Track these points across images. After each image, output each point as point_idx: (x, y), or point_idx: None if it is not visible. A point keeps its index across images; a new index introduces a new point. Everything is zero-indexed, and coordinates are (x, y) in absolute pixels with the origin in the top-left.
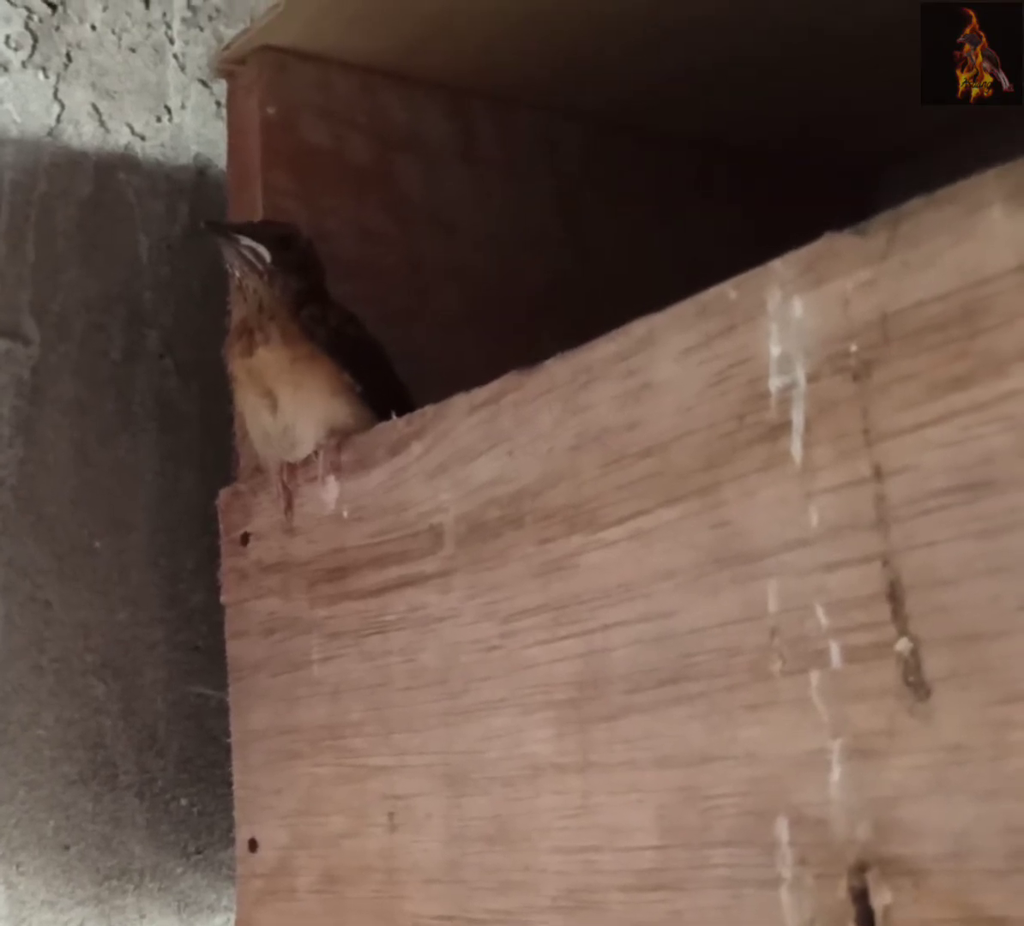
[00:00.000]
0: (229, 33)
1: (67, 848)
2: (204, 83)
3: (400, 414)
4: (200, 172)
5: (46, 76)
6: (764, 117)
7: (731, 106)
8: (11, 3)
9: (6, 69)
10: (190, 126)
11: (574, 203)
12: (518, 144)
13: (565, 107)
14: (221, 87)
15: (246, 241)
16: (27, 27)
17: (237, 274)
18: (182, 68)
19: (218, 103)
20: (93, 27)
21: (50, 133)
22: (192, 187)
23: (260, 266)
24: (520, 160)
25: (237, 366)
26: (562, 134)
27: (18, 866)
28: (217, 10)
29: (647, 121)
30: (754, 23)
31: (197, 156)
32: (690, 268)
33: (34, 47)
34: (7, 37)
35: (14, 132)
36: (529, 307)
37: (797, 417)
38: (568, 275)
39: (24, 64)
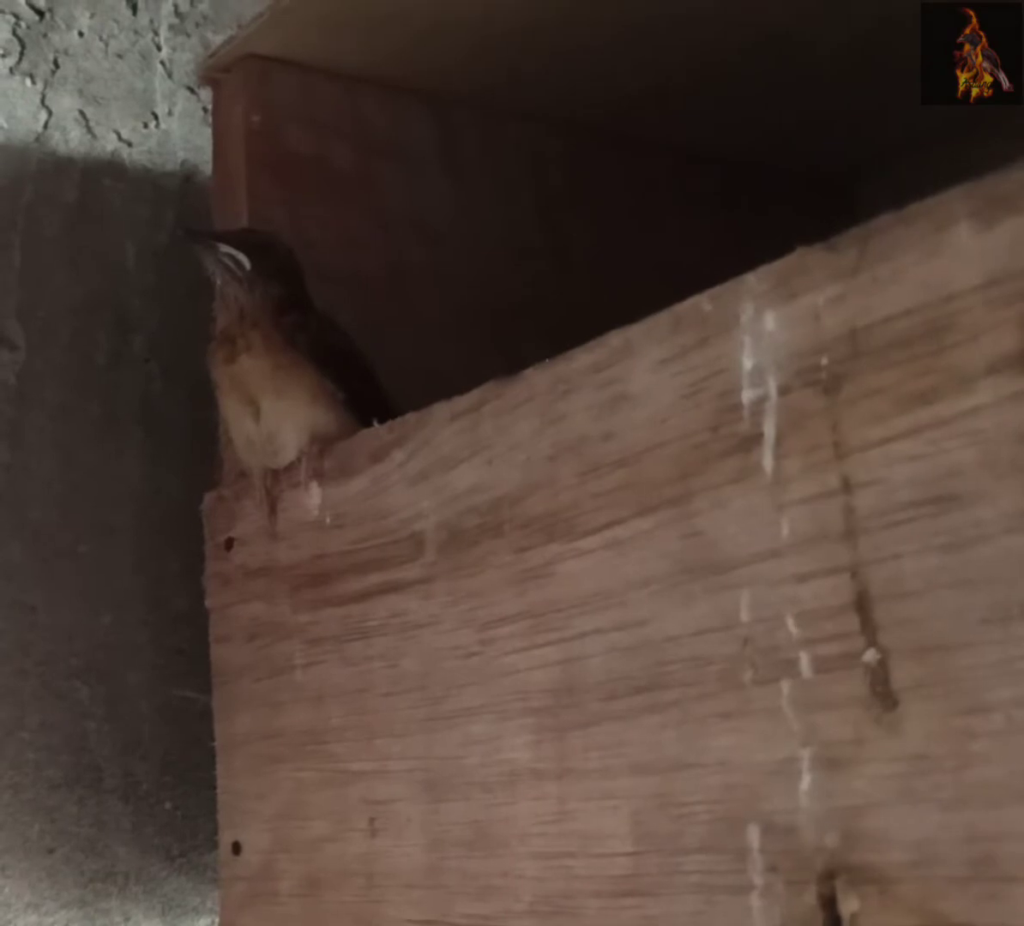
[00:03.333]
0: (216, 40)
1: (51, 851)
2: (191, 90)
3: (383, 421)
4: (186, 178)
5: (33, 82)
6: (749, 126)
7: (715, 115)
8: None
9: None
10: (177, 132)
11: (556, 211)
12: (501, 153)
13: (548, 116)
14: (208, 93)
15: (225, 248)
16: (14, 33)
17: (218, 282)
18: (169, 74)
19: (205, 110)
20: (81, 33)
21: (37, 139)
22: (178, 194)
23: (240, 273)
24: (503, 169)
25: (220, 373)
26: (545, 142)
27: (3, 869)
28: (204, 17)
29: (630, 130)
30: (743, 29)
31: (184, 162)
32: (673, 277)
33: (21, 53)
34: None
35: (1, 139)
36: (511, 316)
37: (768, 429)
38: (550, 284)
39: (12, 70)
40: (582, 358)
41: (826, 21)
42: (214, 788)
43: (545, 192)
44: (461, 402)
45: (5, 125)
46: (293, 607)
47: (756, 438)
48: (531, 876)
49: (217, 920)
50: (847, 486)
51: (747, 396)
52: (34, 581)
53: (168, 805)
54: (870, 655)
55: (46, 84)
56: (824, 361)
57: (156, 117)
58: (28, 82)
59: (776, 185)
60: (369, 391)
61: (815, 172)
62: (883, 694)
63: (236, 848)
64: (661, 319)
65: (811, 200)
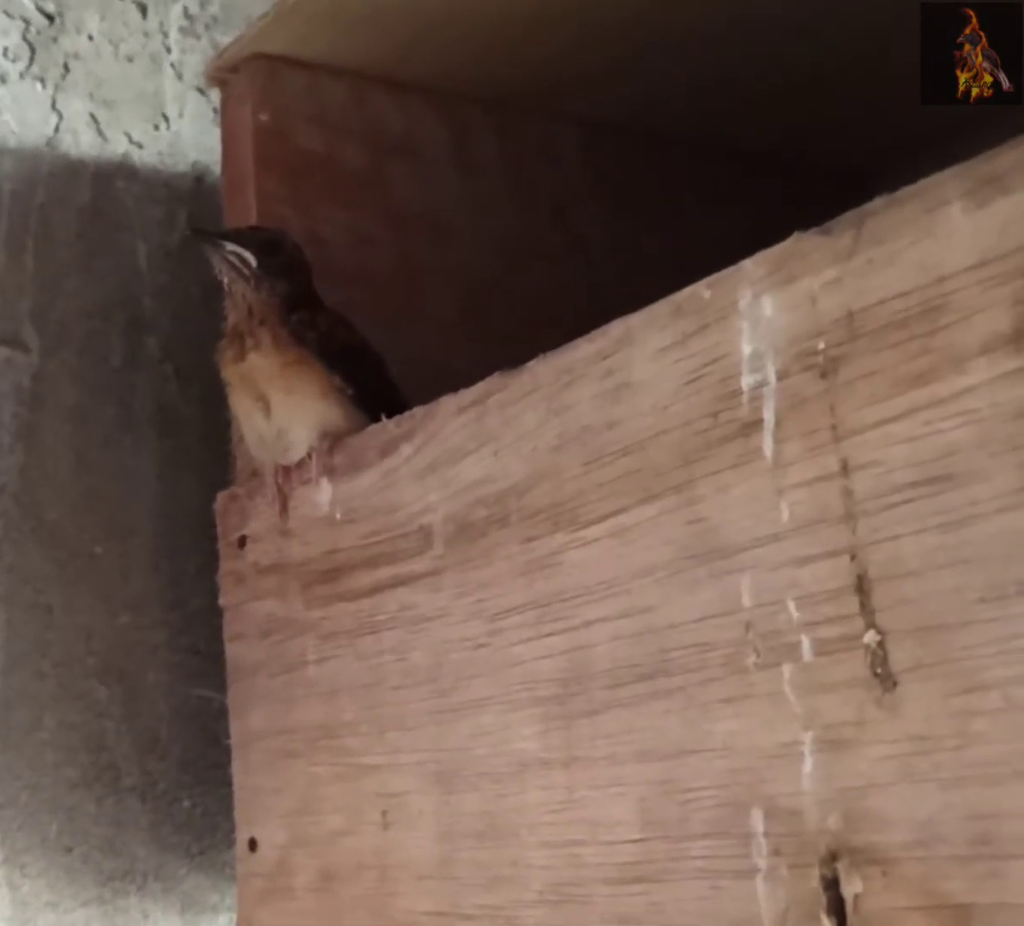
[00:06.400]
0: (226, 42)
1: (70, 850)
2: (201, 91)
3: (392, 416)
4: (197, 179)
5: (44, 86)
6: (763, 118)
7: (729, 107)
8: (8, 15)
9: (4, 80)
10: (187, 134)
11: (571, 206)
12: (514, 148)
13: (561, 110)
14: (218, 95)
15: (231, 247)
16: (25, 38)
17: (225, 280)
18: (179, 77)
19: (215, 111)
20: (90, 37)
21: (48, 143)
22: (190, 194)
23: (247, 271)
24: (516, 164)
25: (230, 371)
26: (558, 137)
27: (22, 868)
28: (214, 19)
29: (644, 124)
30: (752, 24)
31: (195, 164)
32: (690, 272)
33: (32, 58)
34: (5, 49)
35: (13, 142)
36: (526, 312)
37: (768, 414)
38: (565, 279)
39: (22, 75)
40: (584, 348)
41: (845, 14)
42: (231, 786)
43: (561, 187)
44: (467, 395)
45: (16, 129)
46: (305, 603)
47: (756, 423)
48: (540, 865)
49: (236, 917)
50: (845, 468)
51: (746, 381)
52: (51, 582)
53: (186, 803)
54: (870, 636)
55: (57, 88)
56: (821, 345)
57: (167, 119)
58: (39, 86)
59: (795, 179)
60: (379, 386)
61: (834, 166)
62: (883, 675)
63: (252, 844)
64: (661, 307)
65: (830, 194)
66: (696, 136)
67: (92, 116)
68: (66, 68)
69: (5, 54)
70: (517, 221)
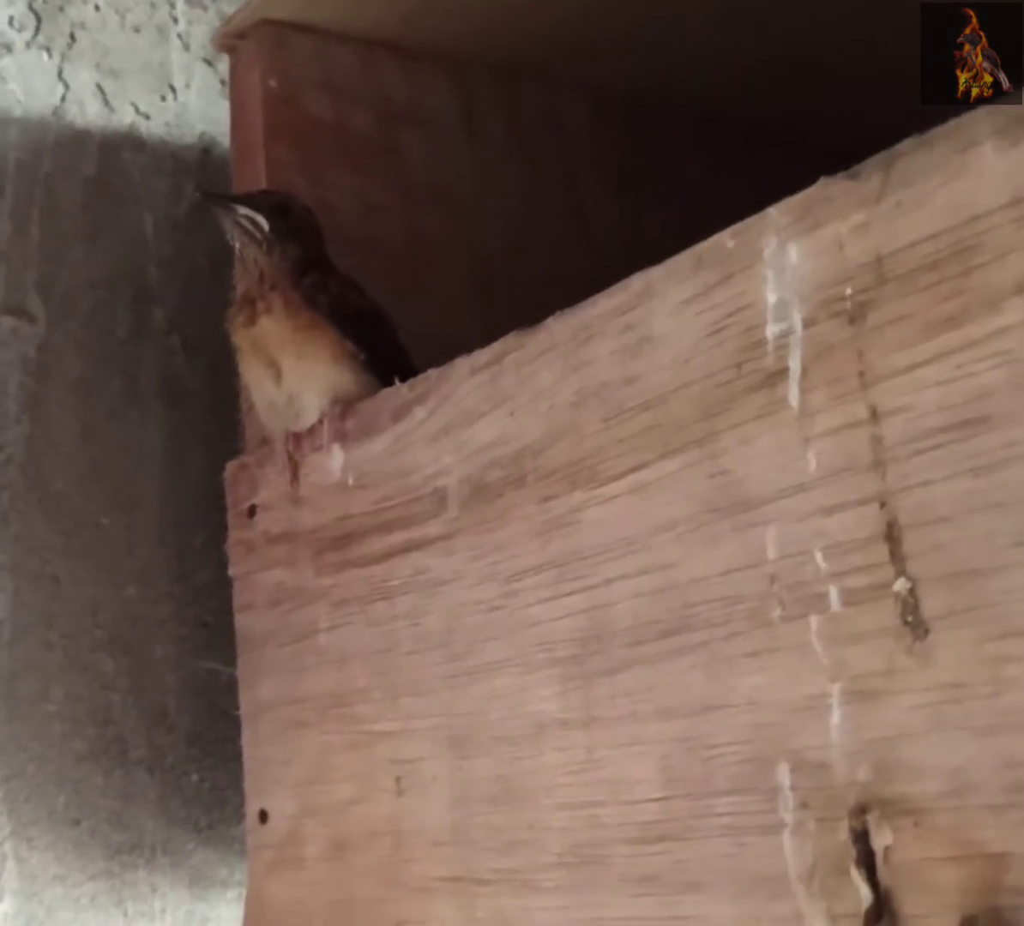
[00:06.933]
0: (232, 12)
1: (78, 823)
2: (208, 62)
3: (404, 380)
4: (204, 151)
5: (50, 56)
6: (769, 93)
7: (737, 82)
8: None
9: (10, 50)
10: (194, 105)
11: (579, 178)
12: (522, 118)
13: (570, 81)
14: (225, 66)
15: (243, 210)
16: (31, 8)
17: (237, 244)
18: (186, 47)
19: (222, 82)
20: (97, 7)
21: (55, 113)
22: (197, 165)
23: (258, 235)
24: (524, 134)
25: (240, 337)
26: (567, 108)
27: (29, 841)
28: None
29: (653, 96)
30: None
31: (201, 135)
32: (696, 244)
33: (38, 28)
34: (10, 18)
35: (19, 112)
36: (533, 282)
37: (794, 363)
38: (572, 250)
39: (28, 44)
40: (603, 303)
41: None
42: (240, 759)
43: (568, 158)
44: (482, 355)
45: (23, 99)
46: (316, 571)
47: (781, 372)
48: (558, 827)
49: (245, 892)
50: (874, 415)
51: (772, 331)
52: (57, 553)
53: (194, 777)
54: (900, 584)
55: (63, 57)
56: (849, 291)
57: (173, 90)
58: (45, 56)
59: (800, 154)
60: (390, 351)
61: (840, 141)
62: (914, 623)
63: (263, 816)
64: (683, 259)
65: (835, 169)
66: (702, 109)
67: (98, 86)
68: (72, 38)
69: (11, 23)
70: (524, 191)
